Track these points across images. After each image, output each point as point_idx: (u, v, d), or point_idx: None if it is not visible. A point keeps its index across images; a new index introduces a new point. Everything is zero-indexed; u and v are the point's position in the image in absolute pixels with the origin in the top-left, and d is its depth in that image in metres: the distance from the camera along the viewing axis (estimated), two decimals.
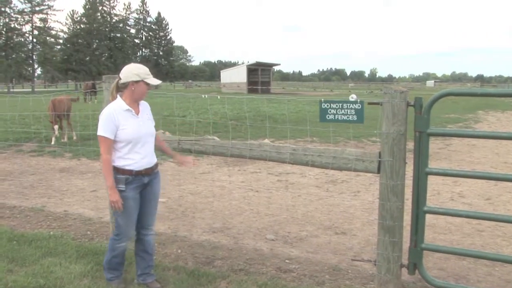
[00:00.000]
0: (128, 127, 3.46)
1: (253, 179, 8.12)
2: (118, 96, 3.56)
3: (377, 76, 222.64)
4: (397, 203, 3.39)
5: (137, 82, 3.48)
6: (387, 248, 3.47)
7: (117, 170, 3.49)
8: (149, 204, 3.73)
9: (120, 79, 3.53)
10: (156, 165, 3.73)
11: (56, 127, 12.34)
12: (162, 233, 5.11)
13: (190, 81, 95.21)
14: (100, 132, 3.43)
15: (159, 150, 3.95)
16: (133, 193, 3.54)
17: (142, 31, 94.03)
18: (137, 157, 3.52)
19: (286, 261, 4.40)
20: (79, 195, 7.05)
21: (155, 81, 3.58)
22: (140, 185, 3.57)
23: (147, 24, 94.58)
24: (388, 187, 3.39)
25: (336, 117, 3.72)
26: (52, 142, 12.22)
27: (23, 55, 70.23)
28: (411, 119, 3.27)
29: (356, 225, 5.55)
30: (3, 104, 11.62)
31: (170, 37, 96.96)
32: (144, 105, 3.70)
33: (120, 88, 3.55)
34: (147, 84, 3.53)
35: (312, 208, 6.28)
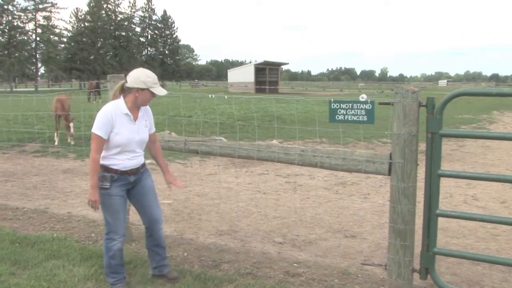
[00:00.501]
0: (121, 133, 3.51)
1: (260, 180, 8.13)
2: (121, 96, 3.59)
3: (387, 75, 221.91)
4: (408, 206, 3.38)
5: (142, 89, 3.51)
6: (398, 252, 3.46)
7: (103, 168, 3.56)
8: (146, 198, 3.81)
9: (126, 81, 3.56)
10: (143, 164, 3.79)
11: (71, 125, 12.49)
12: (168, 236, 5.13)
13: (196, 80, 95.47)
14: (95, 129, 3.48)
15: (153, 157, 4.00)
16: (118, 190, 3.61)
17: (147, 29, 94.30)
18: (124, 158, 3.60)
19: (294, 264, 4.39)
20: (83, 196, 7.09)
21: (161, 92, 3.59)
22: (125, 184, 3.65)
23: (153, 22, 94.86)
24: (399, 190, 3.37)
25: (346, 117, 3.71)
26: (56, 143, 12.30)
27: (26, 53, 70.46)
28: (423, 119, 3.26)
29: (366, 228, 5.54)
30: (6, 104, 11.74)
31: (176, 35, 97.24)
32: (145, 111, 3.73)
33: (125, 91, 3.59)
34: (152, 93, 3.56)
35: (321, 210, 6.27)
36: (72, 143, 12.32)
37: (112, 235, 3.72)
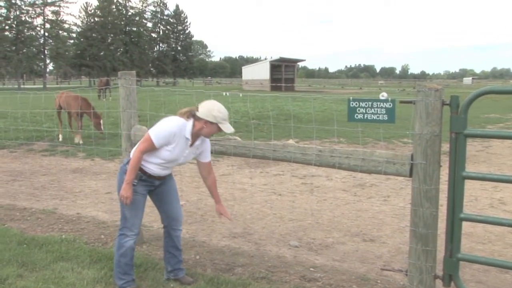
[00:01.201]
0: (173, 152, 3.67)
1: (276, 181, 8.13)
2: (191, 120, 3.67)
3: (409, 72, 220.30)
4: (430, 209, 3.35)
5: (211, 123, 3.62)
6: (419, 257, 3.43)
7: None
8: (168, 195, 3.99)
9: (197, 110, 3.64)
10: (170, 174, 4.00)
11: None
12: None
13: (209, 77, 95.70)
14: (154, 136, 3.60)
15: (207, 187, 4.11)
16: (142, 188, 3.80)
17: (159, 24, 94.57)
18: (159, 168, 3.79)
19: (311, 269, 4.39)
20: (92, 197, 7.16)
21: (229, 129, 3.65)
22: (150, 185, 3.85)
23: (165, 17, 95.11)
24: (421, 192, 3.35)
25: (365, 116, 3.69)
26: (78, 141, 12.43)
27: (34, 49, 70.80)
28: (447, 119, 3.23)
29: (386, 232, 5.51)
30: (14, 101, 11.88)
31: (189, 31, 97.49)
32: (202, 140, 3.84)
33: (195, 116, 3.67)
34: (219, 128, 3.65)
35: (338, 213, 6.25)
36: (81, 142, 12.49)
37: (126, 231, 3.82)
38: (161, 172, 3.81)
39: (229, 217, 4.12)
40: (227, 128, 3.65)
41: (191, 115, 3.68)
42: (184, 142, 3.68)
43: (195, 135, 3.71)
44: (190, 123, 3.66)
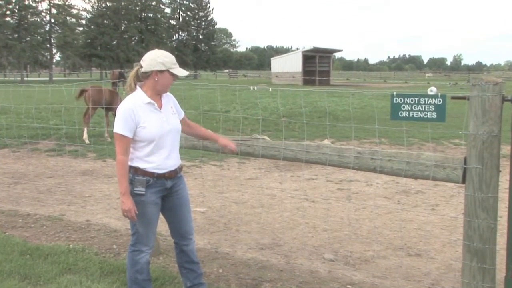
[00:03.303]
0: (149, 124, 3.56)
1: (308, 187, 8.10)
2: (138, 87, 3.65)
3: (462, 64, 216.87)
4: (487, 220, 3.27)
5: (161, 72, 3.55)
6: (475, 276, 3.36)
7: (136, 171, 3.60)
8: (181, 210, 3.87)
9: (141, 67, 3.61)
10: (181, 168, 3.85)
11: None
12: (200, 249, 5.18)
13: (234, 70, 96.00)
14: (117, 129, 3.52)
15: (197, 137, 4.08)
16: (154, 197, 3.66)
17: (178, 10, 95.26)
18: (161, 158, 3.63)
19: (348, 286, 4.35)
20: (104, 202, 7.25)
21: (182, 72, 3.64)
22: (162, 189, 3.69)
23: (185, 2, 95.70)
24: (476, 201, 3.28)
25: (411, 114, 3.65)
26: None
27: (39, 37, 70.93)
28: (507, 117, 3.15)
29: (434, 246, 5.43)
30: (18, 95, 12.06)
31: (212, 17, 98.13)
32: (167, 97, 3.80)
33: (141, 78, 3.65)
34: (173, 75, 3.61)
35: (379, 223, 6.19)
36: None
37: (140, 247, 3.75)
38: (167, 164, 3.67)
39: (233, 149, 4.08)
40: (180, 71, 3.61)
41: (136, 78, 3.64)
42: (150, 109, 3.57)
43: (155, 96, 3.62)
44: (138, 89, 3.61)
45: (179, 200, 3.84)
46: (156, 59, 3.55)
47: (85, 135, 12.74)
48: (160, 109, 3.65)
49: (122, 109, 3.55)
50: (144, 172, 3.59)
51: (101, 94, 12.62)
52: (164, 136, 3.62)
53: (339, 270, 4.75)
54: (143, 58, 3.61)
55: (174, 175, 3.74)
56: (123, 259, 4.91)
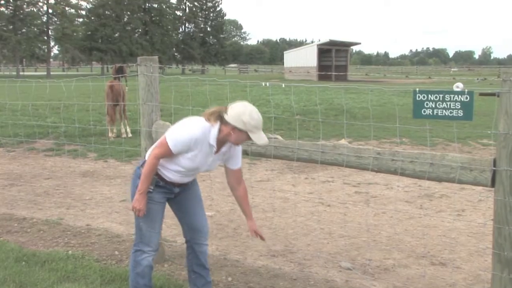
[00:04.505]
0: (194, 160, 3.68)
1: (324, 190, 8.09)
2: (218, 124, 3.64)
3: (492, 57, 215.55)
4: None
5: (240, 130, 3.57)
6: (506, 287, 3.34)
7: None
8: (190, 203, 4.02)
9: (226, 113, 3.61)
10: (194, 180, 4.05)
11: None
12: (208, 255, 5.17)
13: (244, 64, 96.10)
14: (171, 141, 3.60)
15: (237, 202, 4.14)
16: (160, 196, 3.83)
17: (185, 0, 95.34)
18: (179, 176, 3.80)
19: None
20: (105, 205, 7.28)
21: (261, 140, 3.60)
22: (168, 193, 3.87)
23: None
24: (506, 206, 3.26)
25: (435, 112, 3.65)
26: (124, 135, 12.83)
27: (35, 29, 70.64)
28: None
29: (461, 254, 5.40)
30: (13, 91, 12.10)
31: (221, 8, 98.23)
32: (230, 146, 3.81)
33: (222, 120, 3.63)
34: (249, 137, 3.61)
35: (400, 229, 6.17)
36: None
37: (142, 247, 3.86)
38: (181, 180, 3.83)
39: (262, 237, 4.07)
40: (259, 138, 3.57)
41: (219, 117, 3.63)
42: (207, 148, 3.65)
43: (221, 141, 3.67)
44: (216, 127, 3.62)
45: (188, 195, 4.00)
46: (241, 116, 3.53)
47: (112, 133, 13.13)
48: (215, 154, 3.73)
49: (190, 133, 3.59)
50: (157, 174, 3.75)
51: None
52: (195, 170, 3.80)
53: (356, 279, 4.74)
54: (233, 105, 3.62)
55: (184, 185, 3.93)
56: (125, 266, 4.92)
